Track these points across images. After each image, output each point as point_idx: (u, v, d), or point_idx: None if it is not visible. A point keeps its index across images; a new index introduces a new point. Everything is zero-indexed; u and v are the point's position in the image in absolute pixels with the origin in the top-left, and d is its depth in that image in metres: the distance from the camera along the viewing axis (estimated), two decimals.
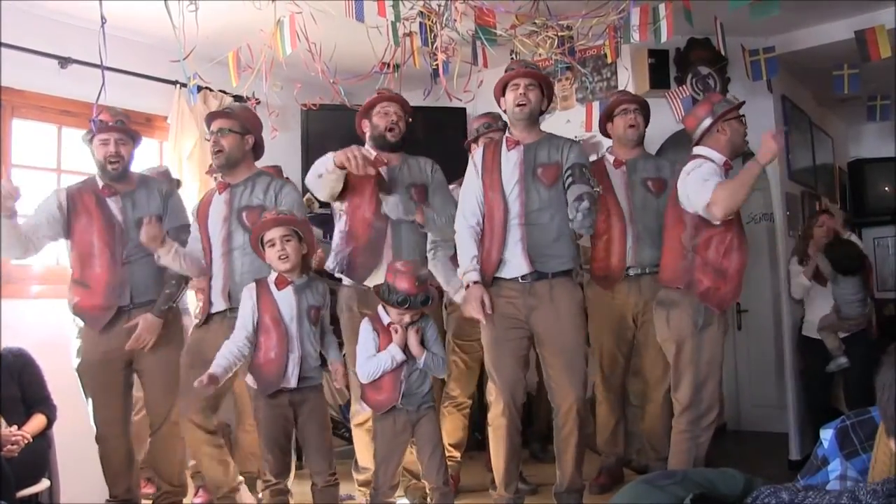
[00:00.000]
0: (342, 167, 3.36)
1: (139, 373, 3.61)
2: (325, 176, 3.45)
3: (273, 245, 3.13)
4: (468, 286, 3.32)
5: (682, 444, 3.34)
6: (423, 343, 3.16)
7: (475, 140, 4.08)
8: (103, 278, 3.53)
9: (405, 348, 3.11)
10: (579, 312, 3.42)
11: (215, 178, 4.14)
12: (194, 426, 3.38)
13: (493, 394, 3.41)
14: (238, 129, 3.48)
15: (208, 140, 3.52)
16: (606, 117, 4.07)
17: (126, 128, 3.63)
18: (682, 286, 3.38)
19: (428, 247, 3.68)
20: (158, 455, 3.65)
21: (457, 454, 4.10)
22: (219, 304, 3.39)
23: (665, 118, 4.45)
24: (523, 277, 3.31)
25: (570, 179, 3.30)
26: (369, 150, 3.54)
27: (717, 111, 3.41)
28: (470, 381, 4.14)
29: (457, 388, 4.08)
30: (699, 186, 3.26)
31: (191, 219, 3.64)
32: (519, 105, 3.36)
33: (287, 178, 4.80)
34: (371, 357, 3.12)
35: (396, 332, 3.10)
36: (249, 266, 3.36)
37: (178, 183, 4.40)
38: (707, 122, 3.42)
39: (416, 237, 3.62)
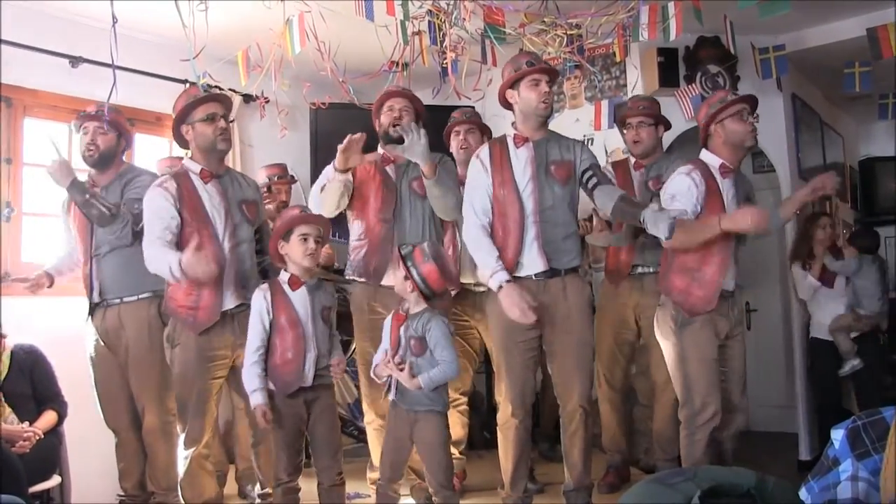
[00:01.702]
0: (345, 168, 3.43)
1: (133, 373, 3.56)
2: (328, 185, 3.48)
3: (307, 240, 3.13)
4: (500, 287, 3.16)
5: (682, 441, 3.36)
6: (423, 345, 3.06)
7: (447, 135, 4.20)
8: (84, 271, 3.61)
9: (408, 343, 3.08)
10: (588, 309, 3.42)
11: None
12: (200, 452, 3.35)
13: (502, 394, 3.39)
14: (229, 118, 3.48)
15: (206, 121, 3.31)
16: (621, 123, 4.10)
17: (103, 117, 3.57)
18: (661, 287, 3.43)
19: None
20: (147, 457, 3.63)
21: (455, 451, 4.05)
22: (229, 302, 3.30)
23: (674, 117, 4.43)
24: (537, 275, 3.29)
25: (594, 180, 3.30)
26: (353, 139, 3.48)
27: (710, 112, 3.36)
28: (462, 378, 4.08)
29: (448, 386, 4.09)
30: (666, 204, 3.29)
31: (171, 207, 3.24)
32: (544, 103, 3.31)
33: (293, 176, 4.86)
34: (377, 362, 3.15)
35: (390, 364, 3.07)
36: (253, 259, 3.39)
37: None
38: (703, 124, 3.40)
39: (419, 232, 3.60)
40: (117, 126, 3.63)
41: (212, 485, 3.43)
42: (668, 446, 3.90)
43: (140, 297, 3.53)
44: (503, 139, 3.44)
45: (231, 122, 3.44)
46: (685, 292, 3.31)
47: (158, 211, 3.22)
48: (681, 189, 3.27)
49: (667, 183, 3.40)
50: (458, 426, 4.07)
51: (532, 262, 3.28)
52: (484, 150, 3.43)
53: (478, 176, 3.38)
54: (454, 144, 4.17)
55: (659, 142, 4.05)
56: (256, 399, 3.05)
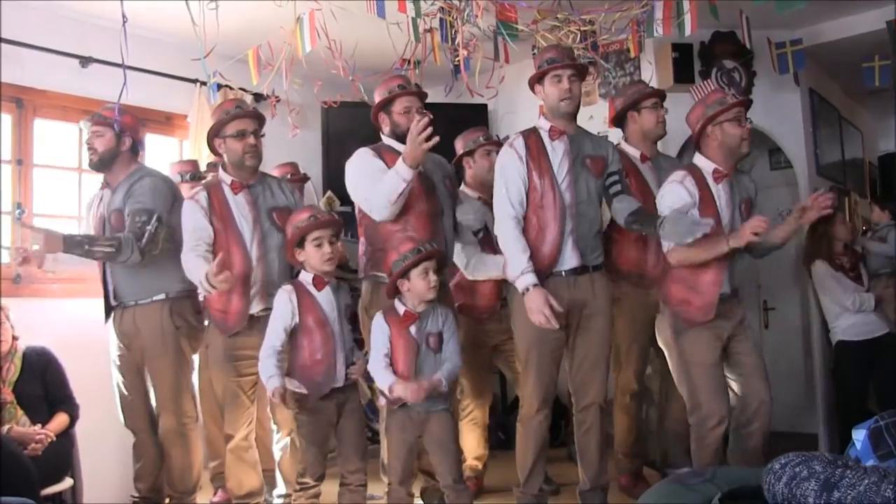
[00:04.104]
0: (417, 162, 3.14)
1: (149, 375, 3.57)
2: (405, 188, 3.17)
3: (320, 245, 3.11)
4: (525, 291, 3.12)
5: (692, 444, 3.34)
6: (441, 341, 3.09)
7: (471, 153, 4.02)
8: (99, 276, 3.58)
9: (426, 340, 3.08)
10: (612, 307, 3.41)
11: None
12: (237, 444, 3.45)
13: (528, 390, 3.34)
14: (260, 131, 3.48)
15: (236, 138, 3.38)
16: (632, 107, 3.90)
17: (97, 121, 3.53)
18: (660, 295, 3.42)
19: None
20: (164, 460, 3.62)
21: (479, 464, 4.11)
22: (256, 306, 3.37)
23: None
24: (567, 271, 3.25)
25: (617, 187, 3.31)
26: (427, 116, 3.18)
27: (707, 113, 3.29)
28: (485, 390, 4.13)
29: (472, 403, 4.08)
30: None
31: (202, 219, 3.37)
32: (564, 100, 3.25)
33: (305, 174, 4.84)
34: (381, 369, 3.04)
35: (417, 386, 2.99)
36: (284, 266, 3.38)
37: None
38: (698, 126, 3.33)
39: (452, 230, 3.55)
40: (113, 124, 3.55)
41: (252, 477, 3.50)
42: (686, 439, 3.85)
43: (154, 299, 3.52)
44: (536, 131, 3.35)
45: (252, 133, 3.42)
46: (684, 302, 3.30)
47: (193, 223, 3.35)
48: (676, 200, 3.24)
49: (661, 191, 3.37)
50: (481, 442, 4.13)
51: (568, 258, 3.25)
52: (518, 140, 3.32)
53: (512, 165, 3.28)
54: (471, 164, 4.06)
55: None
56: (273, 384, 2.97)
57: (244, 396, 3.43)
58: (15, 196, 4.15)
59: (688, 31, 3.65)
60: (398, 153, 3.26)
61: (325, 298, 3.16)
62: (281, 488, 3.74)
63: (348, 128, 5.04)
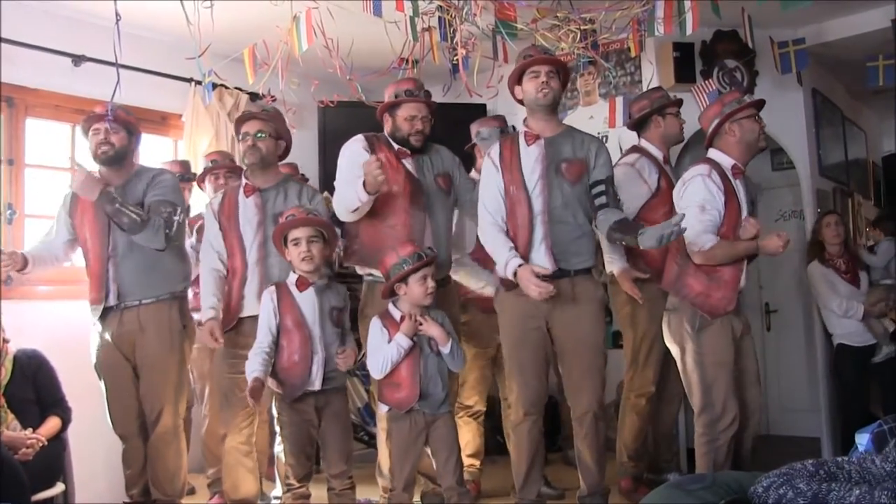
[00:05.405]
0: (375, 190, 3.22)
1: (137, 371, 3.54)
2: (361, 207, 3.29)
3: (298, 244, 3.12)
4: (515, 273, 3.15)
5: (701, 447, 3.31)
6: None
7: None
8: (95, 271, 3.53)
9: (428, 342, 3.08)
10: (600, 312, 3.34)
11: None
12: (235, 446, 3.47)
13: (514, 395, 3.34)
14: (274, 134, 3.52)
15: (241, 140, 3.50)
16: (659, 111, 3.96)
17: (116, 117, 3.53)
18: (671, 290, 3.39)
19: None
20: (152, 463, 3.58)
21: (477, 462, 4.10)
22: (252, 308, 3.37)
23: (691, 113, 4.34)
24: (544, 277, 3.20)
25: (602, 199, 3.24)
26: (379, 159, 3.29)
27: (725, 111, 3.35)
28: (486, 387, 4.12)
29: (473, 396, 4.07)
30: (697, 216, 3.22)
31: (211, 217, 3.55)
32: (542, 92, 3.24)
33: (303, 175, 4.80)
34: (378, 349, 3.06)
35: (413, 318, 3.04)
36: (287, 270, 3.34)
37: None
38: (715, 122, 3.37)
39: (447, 227, 3.59)
40: (126, 125, 3.58)
41: (249, 482, 3.53)
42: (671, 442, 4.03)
43: (160, 298, 3.52)
44: (515, 136, 3.38)
45: (252, 135, 3.48)
46: (704, 294, 3.27)
47: (209, 232, 3.57)
48: (707, 196, 3.25)
49: (686, 188, 3.34)
50: (476, 437, 4.11)
51: (539, 263, 3.22)
52: (494, 149, 3.39)
53: (489, 175, 3.35)
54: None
55: None
56: (251, 377, 3.01)
57: (240, 395, 3.38)
58: (6, 196, 4.12)
59: (689, 30, 3.60)
60: (393, 148, 3.45)
61: (307, 300, 3.16)
62: (278, 490, 3.72)
63: (345, 127, 4.95)
